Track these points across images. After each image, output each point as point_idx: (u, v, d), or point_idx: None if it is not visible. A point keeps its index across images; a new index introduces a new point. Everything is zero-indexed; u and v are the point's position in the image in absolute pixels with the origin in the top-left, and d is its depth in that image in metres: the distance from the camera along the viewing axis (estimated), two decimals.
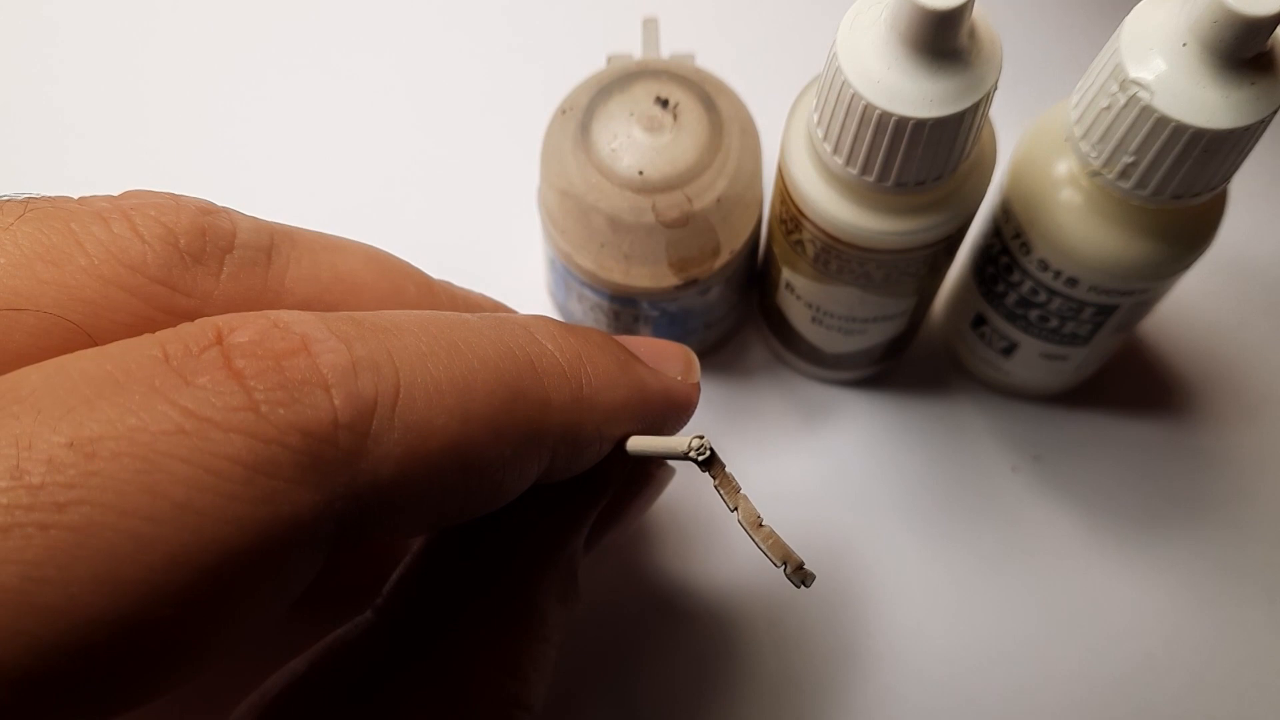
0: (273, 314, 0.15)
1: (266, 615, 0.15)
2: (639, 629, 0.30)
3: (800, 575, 0.18)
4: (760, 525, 0.18)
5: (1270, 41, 0.21)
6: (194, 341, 0.14)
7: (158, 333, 0.14)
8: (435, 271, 0.23)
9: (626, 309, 0.30)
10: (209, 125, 0.37)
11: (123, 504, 0.12)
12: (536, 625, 0.20)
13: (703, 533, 0.31)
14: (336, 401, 0.14)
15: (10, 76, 0.38)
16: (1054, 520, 0.32)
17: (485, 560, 0.20)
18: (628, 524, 0.25)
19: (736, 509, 0.18)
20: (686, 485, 0.29)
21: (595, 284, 0.29)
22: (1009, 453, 0.33)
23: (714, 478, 0.19)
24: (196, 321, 0.15)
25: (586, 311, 0.31)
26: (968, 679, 0.30)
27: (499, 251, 0.35)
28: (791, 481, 0.32)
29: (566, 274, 0.30)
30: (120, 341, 0.14)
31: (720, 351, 0.34)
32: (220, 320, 0.15)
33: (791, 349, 0.33)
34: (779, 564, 0.18)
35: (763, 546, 0.18)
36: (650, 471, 0.25)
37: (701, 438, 0.18)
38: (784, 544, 0.18)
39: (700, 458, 0.18)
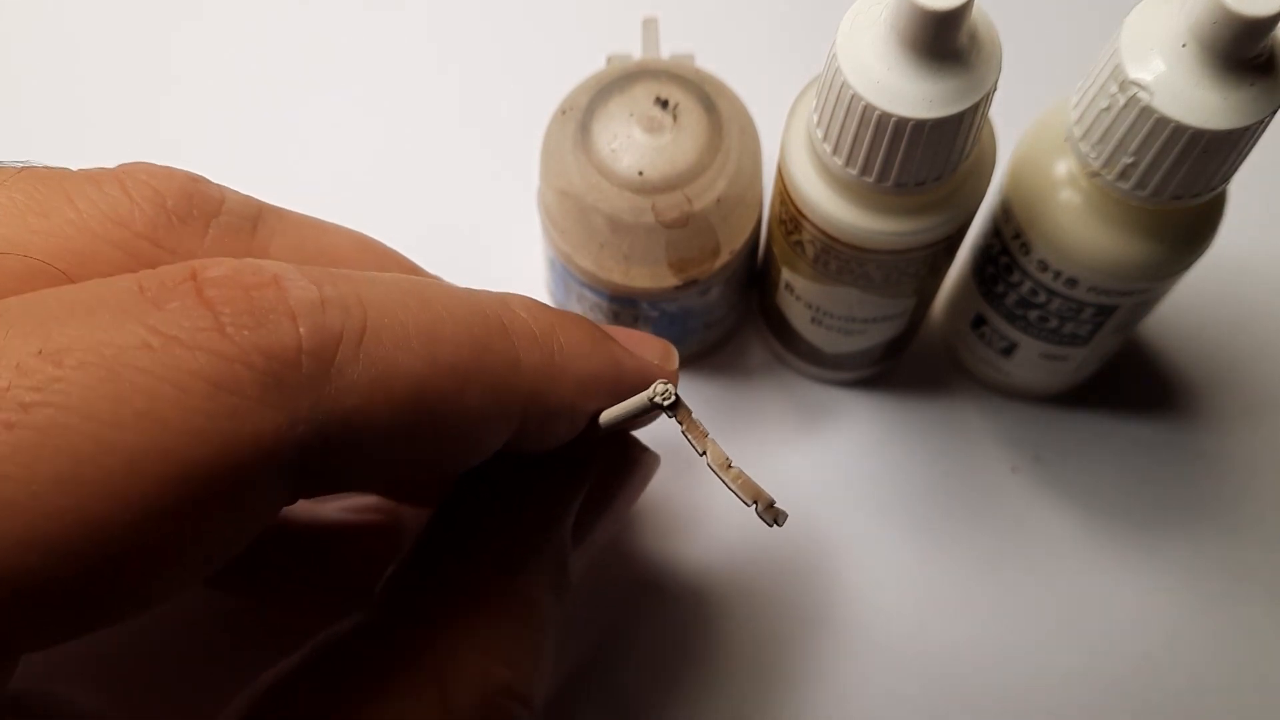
0: (249, 259, 0.16)
1: (231, 542, 0.15)
2: (625, 614, 0.30)
3: (772, 514, 0.18)
4: (729, 467, 0.18)
5: (1269, 42, 0.21)
6: (169, 277, 0.15)
7: (138, 272, 0.15)
8: (434, 270, 0.23)
9: (626, 309, 0.30)
10: (211, 123, 0.37)
11: (86, 409, 0.13)
12: (524, 613, 0.20)
13: (701, 525, 0.31)
14: (302, 330, 0.15)
15: (11, 75, 0.38)
16: (1054, 521, 0.32)
17: (474, 551, 0.20)
18: (617, 514, 0.25)
19: (705, 453, 0.19)
20: (676, 476, 0.29)
21: (595, 284, 0.29)
22: (1009, 453, 0.33)
23: (680, 422, 0.19)
24: (175, 264, 0.15)
25: (586, 312, 0.31)
26: (967, 679, 0.30)
27: (499, 252, 0.35)
28: (791, 481, 0.32)
29: (566, 274, 0.30)
30: (99, 279, 0.15)
31: (720, 351, 0.34)
32: (196, 261, 0.15)
33: (791, 349, 0.33)
34: (749, 503, 0.18)
35: (733, 487, 0.18)
36: (635, 457, 0.25)
37: (666, 383, 0.19)
38: (754, 483, 0.18)
39: (666, 402, 0.19)
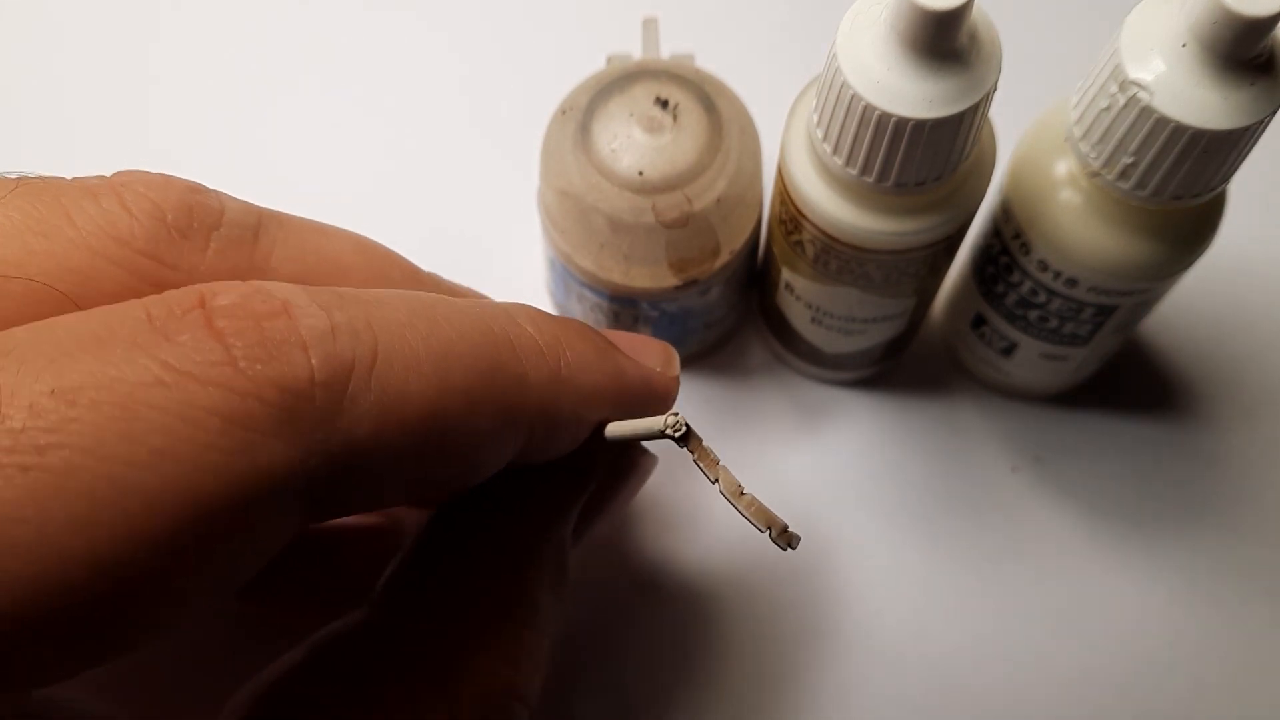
0: (256, 282, 0.16)
1: (241, 572, 0.15)
2: (625, 613, 0.30)
3: (786, 539, 0.18)
4: (742, 494, 0.18)
5: (1269, 42, 0.21)
6: (177, 304, 0.15)
7: (144, 298, 0.15)
8: (434, 271, 0.23)
9: (626, 309, 0.30)
10: (209, 124, 0.37)
11: (101, 449, 0.13)
12: (527, 613, 0.20)
13: (700, 523, 0.31)
14: (314, 361, 0.15)
15: (9, 77, 0.38)
16: (1054, 521, 0.32)
17: (475, 551, 0.20)
18: (614, 513, 0.25)
19: (717, 480, 0.19)
20: (676, 476, 0.28)
21: (595, 284, 0.29)
22: (1009, 453, 0.33)
23: (692, 452, 0.19)
24: (181, 288, 0.15)
25: (586, 312, 0.31)
26: (967, 679, 0.30)
27: (499, 251, 0.35)
28: (791, 481, 0.32)
29: (566, 274, 0.30)
30: (106, 306, 0.15)
31: (720, 351, 0.34)
32: (204, 286, 0.15)
33: (791, 349, 0.33)
34: (763, 529, 0.18)
35: (746, 514, 0.18)
36: (634, 460, 0.25)
37: (676, 414, 0.19)
38: (767, 509, 0.18)
39: (677, 434, 0.19)
